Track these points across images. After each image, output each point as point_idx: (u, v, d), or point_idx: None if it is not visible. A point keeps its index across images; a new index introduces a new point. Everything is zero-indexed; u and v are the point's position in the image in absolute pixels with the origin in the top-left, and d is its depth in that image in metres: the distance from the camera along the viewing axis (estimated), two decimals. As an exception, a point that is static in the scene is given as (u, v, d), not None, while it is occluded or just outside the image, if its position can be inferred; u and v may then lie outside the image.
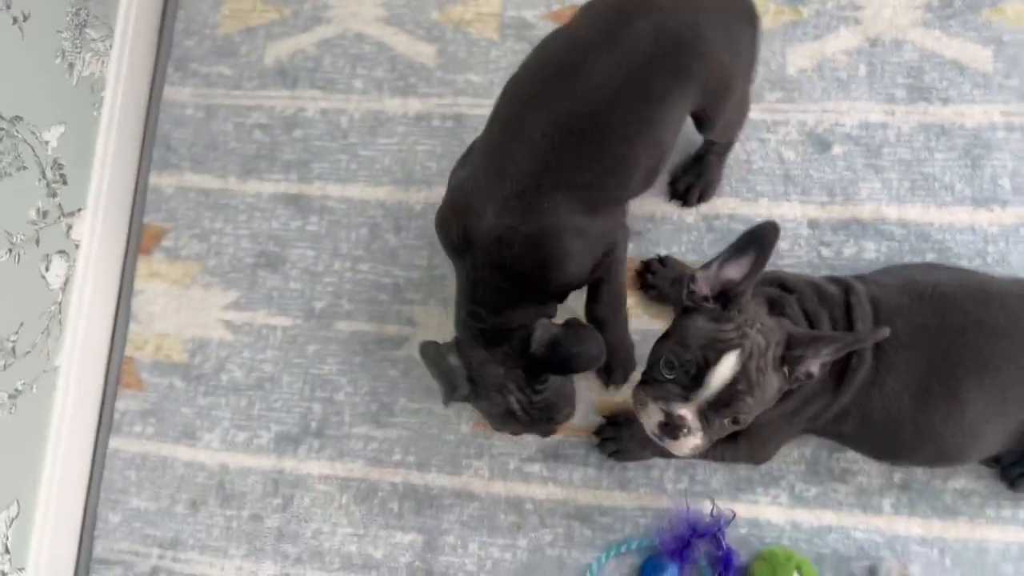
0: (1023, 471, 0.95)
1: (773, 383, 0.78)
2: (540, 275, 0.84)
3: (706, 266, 0.79)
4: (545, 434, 0.94)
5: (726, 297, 0.78)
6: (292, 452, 1.11)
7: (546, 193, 0.80)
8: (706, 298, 0.79)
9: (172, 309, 1.18)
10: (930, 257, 1.03)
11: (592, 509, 1.04)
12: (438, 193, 1.15)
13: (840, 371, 0.86)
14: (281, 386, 1.13)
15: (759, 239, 0.76)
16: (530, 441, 1.06)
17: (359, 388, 1.11)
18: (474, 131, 1.06)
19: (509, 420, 0.89)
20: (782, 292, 0.86)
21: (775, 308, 0.83)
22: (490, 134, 0.86)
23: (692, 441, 0.78)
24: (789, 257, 1.06)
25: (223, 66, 1.24)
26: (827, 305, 0.86)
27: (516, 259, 0.82)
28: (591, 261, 0.87)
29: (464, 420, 1.08)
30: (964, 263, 1.02)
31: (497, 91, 0.88)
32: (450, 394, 0.87)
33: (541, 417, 0.89)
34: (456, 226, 0.85)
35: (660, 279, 1.06)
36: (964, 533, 0.97)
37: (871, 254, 1.04)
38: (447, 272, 1.12)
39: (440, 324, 1.11)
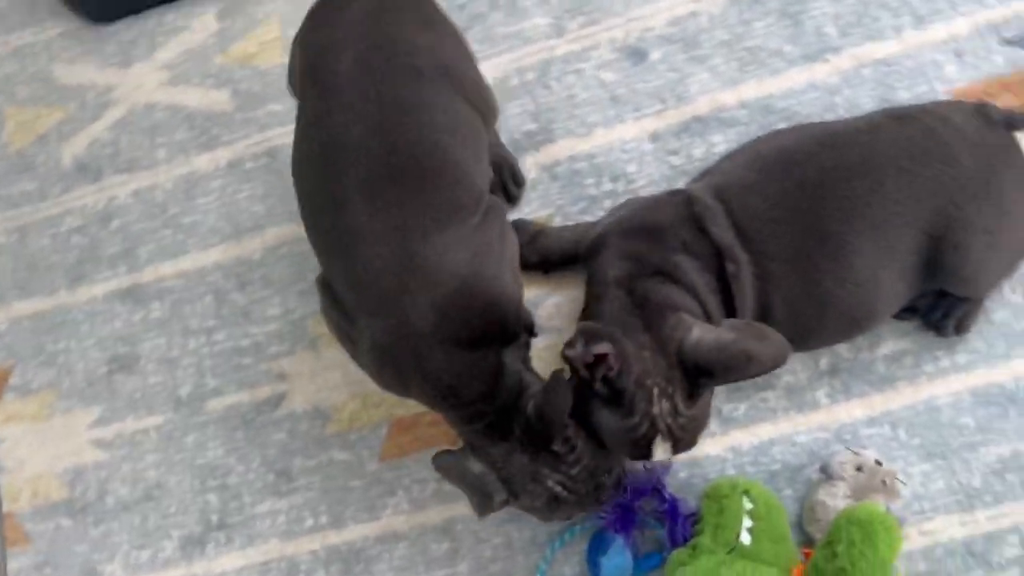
0: (944, 312, 0.87)
1: (704, 407, 0.76)
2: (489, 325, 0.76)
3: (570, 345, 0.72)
4: (601, 503, 0.83)
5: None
6: (200, 553, 1.01)
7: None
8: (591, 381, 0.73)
9: (38, 446, 1.08)
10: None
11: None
12: (272, 235, 1.07)
13: (725, 287, 0.79)
14: (170, 489, 1.03)
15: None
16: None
17: (250, 463, 1.02)
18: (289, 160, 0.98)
19: (557, 506, 0.79)
20: (649, 280, 0.79)
21: (653, 310, 0.77)
22: None
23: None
24: (640, 178, 0.98)
25: (24, 182, 1.17)
26: (682, 246, 0.79)
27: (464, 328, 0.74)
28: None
29: (367, 459, 0.99)
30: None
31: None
32: (487, 505, 0.78)
33: (588, 489, 0.79)
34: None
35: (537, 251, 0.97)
36: (908, 398, 0.89)
37: (721, 146, 0.97)
38: (306, 312, 1.04)
39: (312, 369, 1.02)
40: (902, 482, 0.85)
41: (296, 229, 1.06)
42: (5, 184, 1.17)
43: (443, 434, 0.97)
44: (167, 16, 1.17)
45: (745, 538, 0.82)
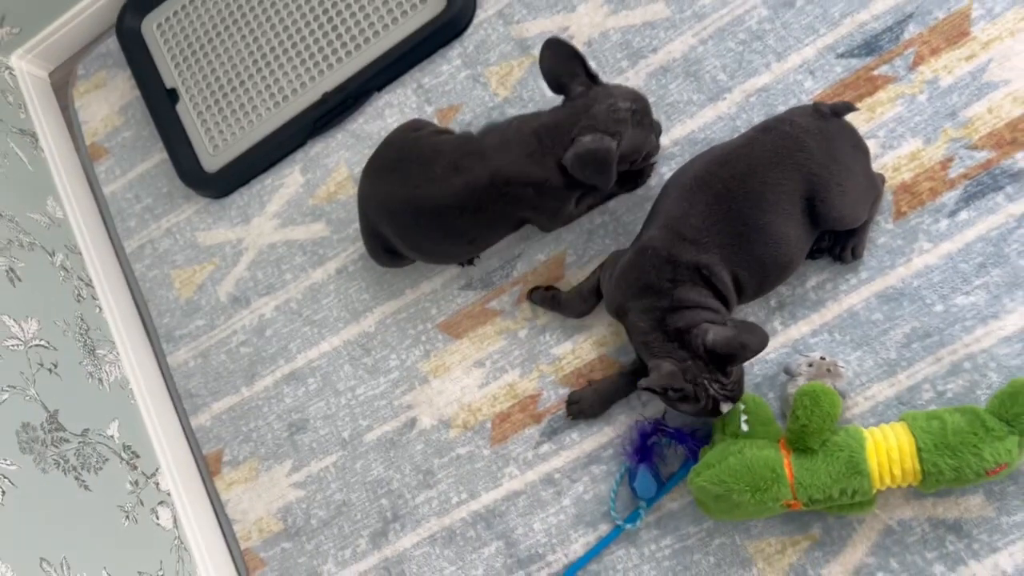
0: (841, 247, 1.26)
1: (739, 372, 1.16)
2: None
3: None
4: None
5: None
6: (385, 542, 1.44)
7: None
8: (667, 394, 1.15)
9: (255, 498, 1.53)
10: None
11: (598, 451, 1.35)
12: (379, 312, 1.51)
13: (709, 283, 1.18)
14: (353, 503, 1.47)
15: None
16: (532, 432, 1.39)
17: (404, 471, 1.45)
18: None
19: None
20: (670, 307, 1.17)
21: (681, 334, 1.15)
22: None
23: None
24: (618, 207, 1.40)
25: (196, 320, 1.63)
26: (673, 282, 1.17)
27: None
28: None
29: (482, 447, 1.41)
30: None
31: None
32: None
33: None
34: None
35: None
36: (835, 311, 1.28)
37: (669, 175, 1.39)
38: (416, 359, 1.47)
39: (428, 396, 1.45)
40: (842, 367, 1.24)
41: (394, 303, 1.50)
42: (184, 325, 1.64)
43: (531, 418, 1.39)
44: (266, 180, 1.64)
45: (744, 427, 1.21)
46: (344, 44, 1.59)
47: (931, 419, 1.12)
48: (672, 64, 1.43)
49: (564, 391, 1.39)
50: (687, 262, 1.16)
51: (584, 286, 1.35)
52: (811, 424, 1.13)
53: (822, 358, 1.25)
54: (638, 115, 1.24)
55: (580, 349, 1.39)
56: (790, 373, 1.26)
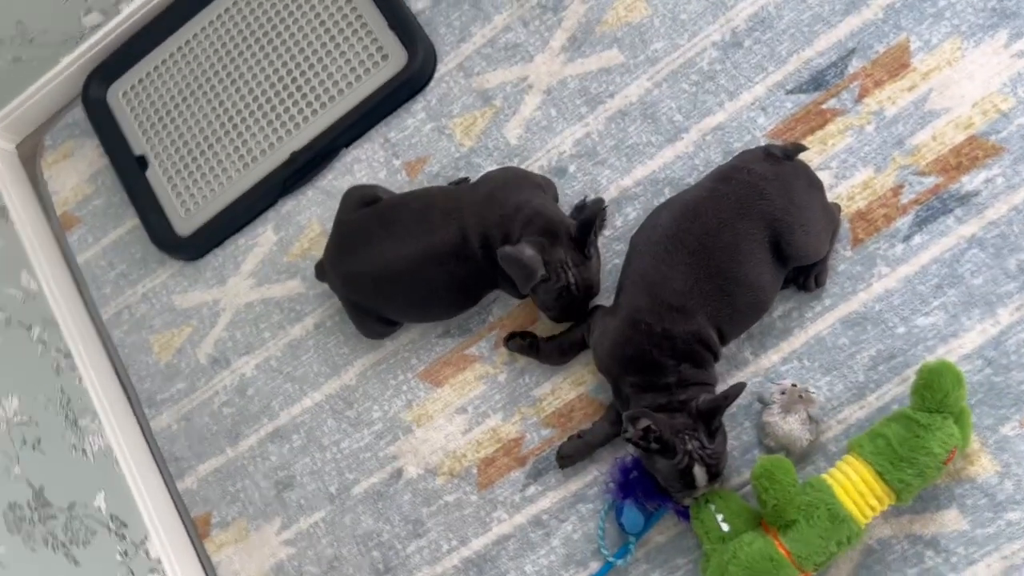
0: (804, 277, 1.31)
1: (722, 445, 1.19)
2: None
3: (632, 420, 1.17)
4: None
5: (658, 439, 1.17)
6: (379, 593, 1.45)
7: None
8: (647, 445, 1.17)
9: (246, 558, 1.53)
10: (667, 191, 1.42)
11: (583, 489, 1.38)
12: (359, 365, 1.53)
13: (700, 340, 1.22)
14: (345, 557, 1.48)
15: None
16: (518, 475, 1.41)
17: (393, 522, 1.46)
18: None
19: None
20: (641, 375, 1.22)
21: (678, 402, 1.20)
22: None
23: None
24: (588, 251, 1.44)
25: (177, 383, 1.64)
26: (667, 352, 1.21)
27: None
28: None
29: (469, 493, 1.43)
30: (691, 180, 1.40)
31: None
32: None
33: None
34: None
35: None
36: (802, 339, 1.32)
37: (633, 215, 1.43)
38: (398, 409, 1.49)
39: (413, 446, 1.47)
40: (813, 392, 1.28)
41: (373, 355, 1.52)
42: (165, 389, 1.65)
43: (516, 461, 1.42)
44: (240, 240, 1.66)
45: (724, 527, 1.21)
46: (310, 103, 1.62)
47: (875, 439, 1.17)
48: (629, 108, 1.47)
49: (547, 432, 1.42)
50: (682, 335, 1.20)
51: (564, 340, 1.38)
52: (780, 500, 1.15)
53: (793, 385, 1.29)
54: (567, 297, 1.29)
55: (560, 390, 1.42)
56: (763, 402, 1.30)
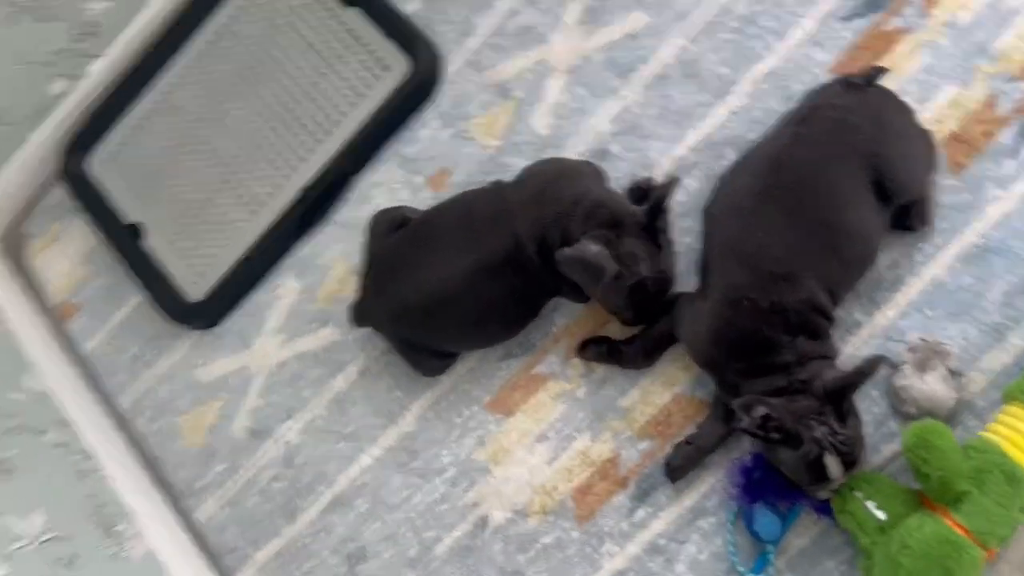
0: (908, 217, 1.14)
1: (856, 428, 1.02)
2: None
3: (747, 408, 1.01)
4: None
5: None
6: (487, 662, 1.26)
7: None
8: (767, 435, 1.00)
9: (327, 650, 1.34)
10: (730, 153, 1.26)
11: (700, 502, 1.20)
12: (416, 408, 1.36)
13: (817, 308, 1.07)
14: (440, 627, 1.29)
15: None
16: (621, 500, 1.23)
17: (488, 577, 1.28)
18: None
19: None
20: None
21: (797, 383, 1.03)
22: None
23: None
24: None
25: (216, 465, 1.46)
26: (781, 326, 1.04)
27: None
28: None
29: (569, 529, 1.25)
30: (753, 135, 1.25)
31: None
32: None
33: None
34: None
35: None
36: (918, 286, 1.16)
37: (693, 185, 1.27)
38: (469, 450, 1.31)
39: (494, 487, 1.30)
40: (946, 344, 1.12)
41: (430, 393, 1.35)
42: (204, 474, 1.47)
43: (616, 484, 1.24)
44: (259, 296, 1.49)
45: (880, 515, 1.03)
46: (312, 133, 1.47)
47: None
48: (667, 71, 1.32)
49: (644, 445, 1.24)
50: (794, 306, 1.04)
51: (648, 338, 1.21)
52: (944, 471, 0.98)
53: (922, 339, 1.12)
54: (638, 294, 1.13)
55: (650, 395, 1.25)
56: (892, 365, 1.13)
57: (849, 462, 1.02)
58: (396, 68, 1.43)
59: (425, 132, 1.44)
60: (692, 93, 1.31)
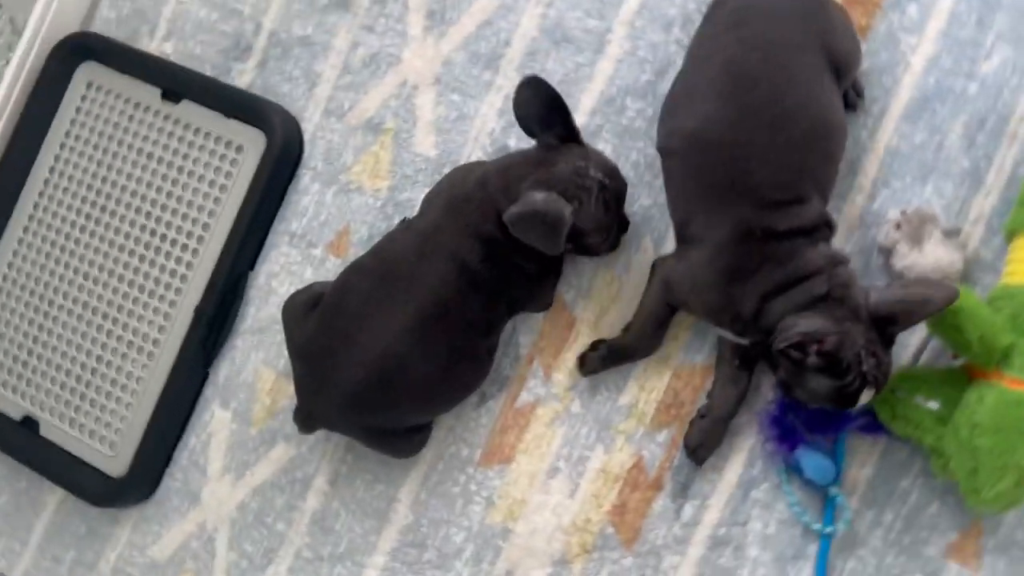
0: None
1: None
2: None
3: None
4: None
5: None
6: None
7: None
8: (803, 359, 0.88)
9: None
10: (631, 102, 1.15)
11: (746, 471, 1.07)
12: (406, 495, 1.18)
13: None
14: None
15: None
16: (663, 504, 1.09)
17: (553, 647, 1.11)
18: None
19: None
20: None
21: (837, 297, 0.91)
22: None
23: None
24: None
25: (208, 648, 1.25)
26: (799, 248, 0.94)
27: None
28: None
29: (621, 556, 1.09)
30: (650, 76, 1.15)
31: None
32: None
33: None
34: None
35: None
36: (875, 163, 1.08)
37: (608, 149, 1.16)
38: (481, 519, 1.15)
39: (523, 548, 1.13)
40: (927, 209, 1.02)
41: (416, 473, 1.18)
42: (197, 663, 1.25)
43: (651, 489, 1.10)
44: (189, 442, 1.29)
45: (933, 405, 0.94)
46: (185, 247, 1.29)
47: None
48: (534, 44, 1.22)
49: (663, 436, 1.10)
50: (808, 224, 0.93)
51: (645, 317, 1.07)
52: (983, 330, 0.89)
53: (903, 213, 1.03)
54: (608, 193, 1.01)
55: (648, 380, 1.12)
56: (886, 248, 1.03)
57: (880, 388, 0.92)
58: (251, 146, 1.28)
59: (307, 200, 1.29)
60: (569, 57, 1.20)
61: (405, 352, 1.02)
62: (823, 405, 0.93)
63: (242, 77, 1.34)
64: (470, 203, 1.02)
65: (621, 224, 1.06)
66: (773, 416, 1.04)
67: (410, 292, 1.04)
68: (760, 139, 0.92)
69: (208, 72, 1.35)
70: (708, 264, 0.97)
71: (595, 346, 1.11)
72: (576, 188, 0.97)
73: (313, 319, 1.11)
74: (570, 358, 1.15)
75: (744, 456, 1.07)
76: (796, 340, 0.88)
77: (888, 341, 0.91)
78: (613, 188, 1.00)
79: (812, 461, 1.02)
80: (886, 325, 0.90)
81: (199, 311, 1.27)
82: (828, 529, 1.02)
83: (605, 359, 1.10)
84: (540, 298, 1.13)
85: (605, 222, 1.01)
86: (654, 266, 1.06)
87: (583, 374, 1.12)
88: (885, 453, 1.03)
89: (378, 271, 1.07)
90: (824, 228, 0.95)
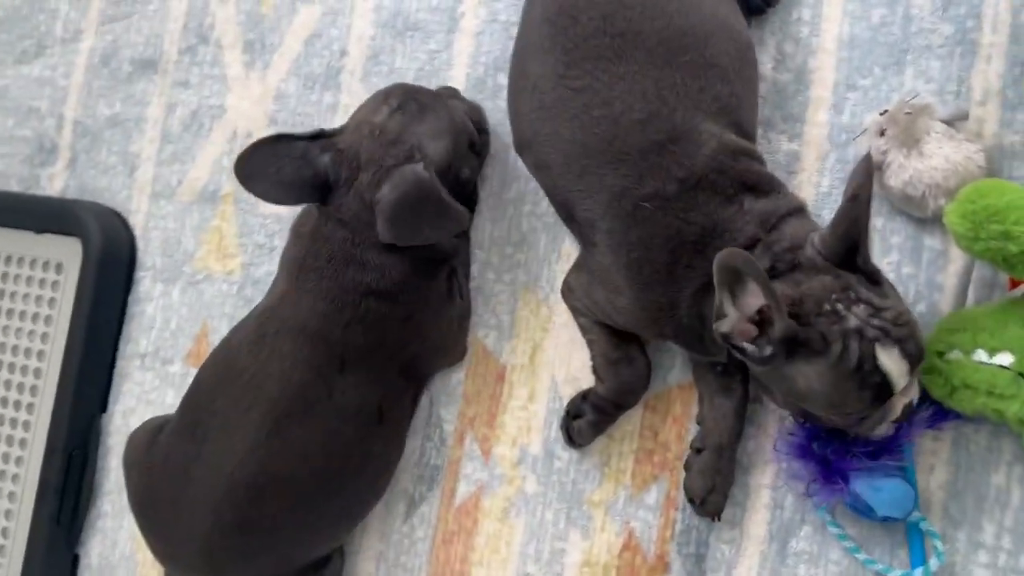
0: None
1: (896, 296, 0.65)
2: None
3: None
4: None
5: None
6: None
7: None
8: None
9: None
10: (498, 72, 0.90)
11: (774, 515, 0.76)
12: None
13: None
14: None
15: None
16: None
17: None
18: None
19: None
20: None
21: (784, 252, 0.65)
22: None
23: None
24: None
25: None
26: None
27: None
28: None
29: None
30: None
31: None
32: None
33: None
34: None
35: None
36: (830, 62, 0.81)
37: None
38: None
39: None
40: (913, 99, 0.75)
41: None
42: None
43: (654, 569, 0.78)
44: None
45: (1006, 361, 0.65)
46: (14, 403, 1.03)
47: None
48: (374, 44, 0.97)
49: (652, 496, 0.80)
50: (705, 164, 0.68)
51: (600, 354, 0.79)
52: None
53: (884, 114, 0.75)
54: (409, 111, 0.78)
55: (618, 430, 0.82)
56: (878, 162, 0.74)
57: (911, 352, 0.62)
58: (70, 260, 1.02)
59: (151, 308, 1.02)
60: (419, 47, 0.95)
61: (258, 473, 0.74)
62: (849, 413, 0.64)
63: (53, 183, 1.09)
64: (326, 249, 0.76)
65: (481, 133, 0.85)
66: (799, 445, 0.73)
67: (262, 389, 0.76)
68: (619, 70, 0.69)
69: (15, 188, 1.11)
70: (611, 266, 0.71)
71: (576, 409, 0.81)
72: (393, 145, 0.76)
73: (154, 448, 0.83)
74: (510, 421, 0.86)
75: (766, 496, 0.77)
76: (723, 331, 0.61)
77: (875, 279, 0.63)
78: (403, 103, 0.78)
79: (882, 491, 0.70)
80: (851, 260, 0.63)
81: (43, 482, 0.99)
82: (918, 572, 0.71)
83: (596, 424, 0.80)
84: (448, 348, 0.85)
85: (449, 139, 0.78)
86: (563, 284, 0.79)
87: (576, 447, 0.82)
88: (956, 445, 0.72)
89: (218, 372, 0.80)
90: (737, 161, 0.68)
